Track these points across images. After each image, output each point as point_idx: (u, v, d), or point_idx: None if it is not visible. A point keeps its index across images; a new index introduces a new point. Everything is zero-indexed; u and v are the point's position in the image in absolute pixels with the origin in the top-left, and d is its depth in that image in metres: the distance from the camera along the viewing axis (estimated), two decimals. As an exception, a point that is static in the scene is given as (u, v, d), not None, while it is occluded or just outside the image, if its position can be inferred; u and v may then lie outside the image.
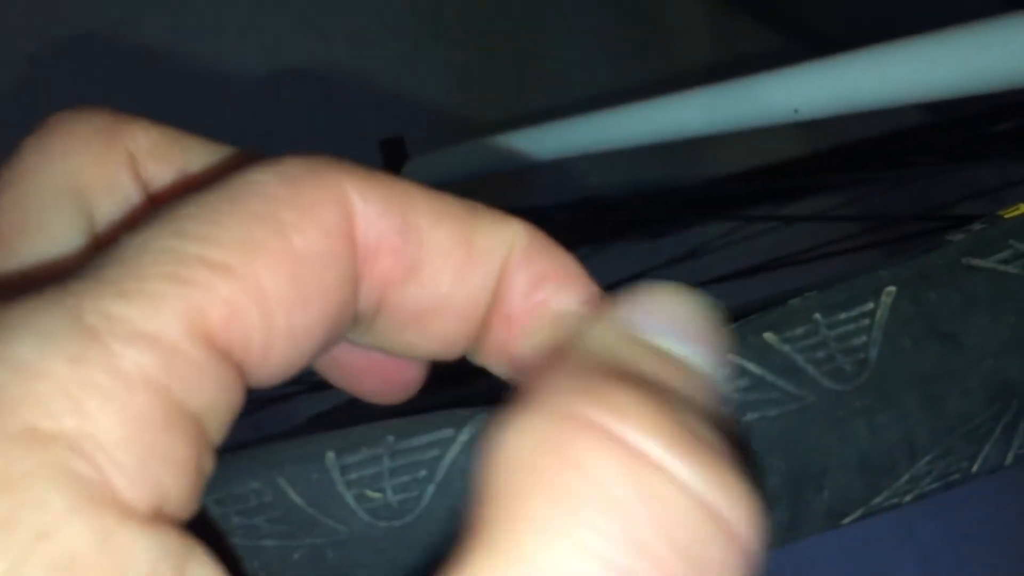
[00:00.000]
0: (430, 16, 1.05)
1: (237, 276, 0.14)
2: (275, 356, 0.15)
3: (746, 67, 0.40)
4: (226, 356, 0.14)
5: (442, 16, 1.06)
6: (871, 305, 0.22)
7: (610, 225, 0.78)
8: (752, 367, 0.21)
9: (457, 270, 0.16)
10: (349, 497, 0.20)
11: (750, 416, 0.21)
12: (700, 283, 0.64)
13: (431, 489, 0.20)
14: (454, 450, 0.20)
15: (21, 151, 0.18)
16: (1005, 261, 0.23)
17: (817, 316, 0.22)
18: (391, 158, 0.67)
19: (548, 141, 0.47)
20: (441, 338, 0.17)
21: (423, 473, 0.20)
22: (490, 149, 0.51)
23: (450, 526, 0.21)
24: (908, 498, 0.23)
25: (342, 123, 1.00)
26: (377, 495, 0.20)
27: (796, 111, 0.34)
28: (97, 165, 0.18)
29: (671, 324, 0.16)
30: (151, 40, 0.94)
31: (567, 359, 0.14)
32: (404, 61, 1.04)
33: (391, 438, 0.20)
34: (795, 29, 1.09)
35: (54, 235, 0.17)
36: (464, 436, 0.20)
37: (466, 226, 0.16)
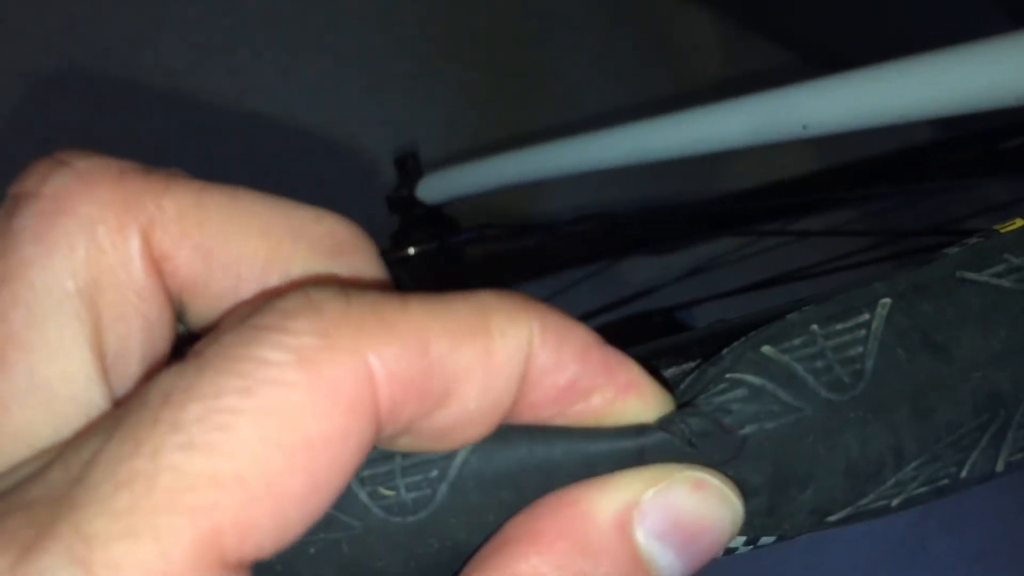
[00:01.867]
0: (442, 35, 1.06)
1: (249, 487, 0.13)
2: (288, 537, 0.14)
3: (757, 84, 0.40)
4: (239, 566, 0.14)
5: (454, 34, 1.07)
6: (867, 316, 0.22)
7: (623, 240, 0.79)
8: (752, 379, 0.22)
9: (482, 385, 0.16)
10: (363, 495, 0.21)
11: (748, 429, 0.21)
12: (711, 297, 0.64)
13: (443, 488, 0.21)
14: (464, 451, 0.21)
15: (15, 227, 0.15)
16: (999, 275, 0.24)
17: (815, 328, 0.22)
18: (406, 175, 0.68)
19: (560, 157, 0.48)
20: (465, 440, 0.17)
21: (435, 473, 0.21)
22: (504, 165, 0.52)
23: (465, 519, 0.21)
24: (896, 502, 0.23)
25: (356, 140, 1.01)
26: (390, 493, 0.21)
27: (805, 127, 0.34)
28: (107, 254, 0.16)
29: (668, 533, 0.17)
30: (166, 59, 0.95)
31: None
32: (416, 79, 1.05)
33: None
34: (805, 47, 1.09)
35: (56, 351, 0.15)
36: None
37: (483, 335, 0.15)
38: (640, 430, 0.21)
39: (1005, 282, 0.23)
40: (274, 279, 0.17)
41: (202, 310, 0.17)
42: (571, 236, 0.76)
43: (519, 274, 0.76)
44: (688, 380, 0.22)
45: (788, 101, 0.35)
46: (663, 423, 0.22)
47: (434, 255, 0.64)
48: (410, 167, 0.68)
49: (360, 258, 0.18)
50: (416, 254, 0.64)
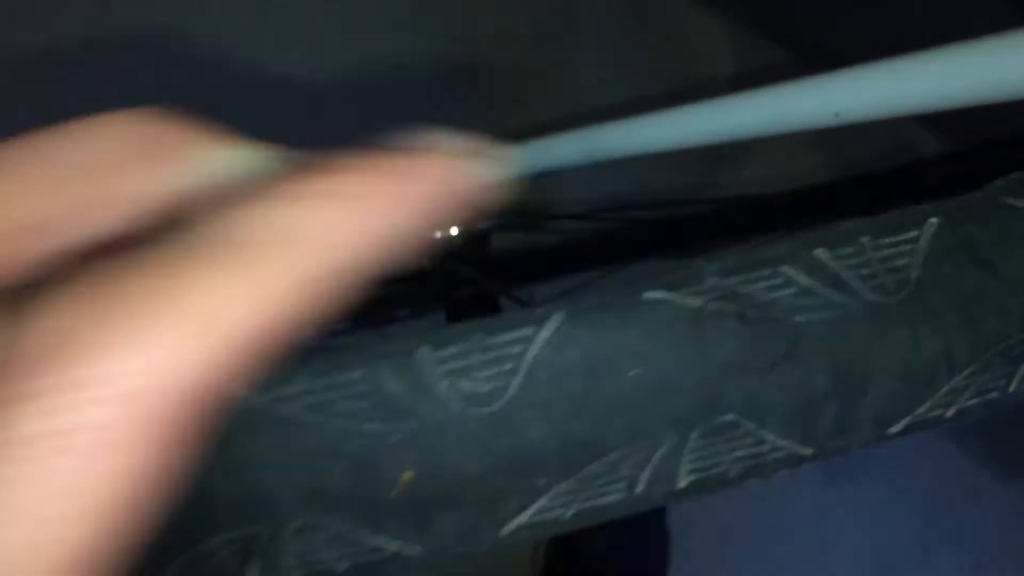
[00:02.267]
0: (463, 37, 1.08)
1: None
2: None
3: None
4: None
5: (472, 37, 1.08)
6: (915, 232, 0.24)
7: (635, 243, 0.80)
8: (803, 278, 0.23)
9: None
10: (442, 387, 0.22)
11: (799, 318, 0.23)
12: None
13: (516, 381, 0.22)
14: (535, 346, 0.22)
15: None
16: None
17: (864, 239, 0.24)
18: None
19: (580, 146, 0.49)
20: None
21: (509, 366, 0.22)
22: (528, 153, 0.53)
23: (537, 412, 0.23)
24: (951, 412, 0.25)
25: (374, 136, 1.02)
26: (468, 385, 0.22)
27: (837, 115, 0.36)
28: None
29: None
30: (197, 41, 0.97)
31: None
32: (440, 74, 1.06)
33: (480, 334, 0.22)
34: (817, 52, 1.10)
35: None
36: (545, 333, 0.23)
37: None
38: (695, 298, 0.23)
39: None
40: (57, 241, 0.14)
41: None
42: (586, 231, 0.77)
43: (544, 266, 0.77)
44: (739, 260, 0.24)
45: (820, 89, 0.37)
46: (722, 296, 0.23)
47: (460, 242, 0.65)
48: None
49: (190, 163, 0.16)
50: (440, 238, 0.65)
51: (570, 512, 0.24)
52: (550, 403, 0.23)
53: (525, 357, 0.23)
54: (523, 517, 0.24)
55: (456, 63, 1.06)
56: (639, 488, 0.24)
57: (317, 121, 1.00)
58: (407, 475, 0.23)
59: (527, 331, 0.23)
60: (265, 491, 0.23)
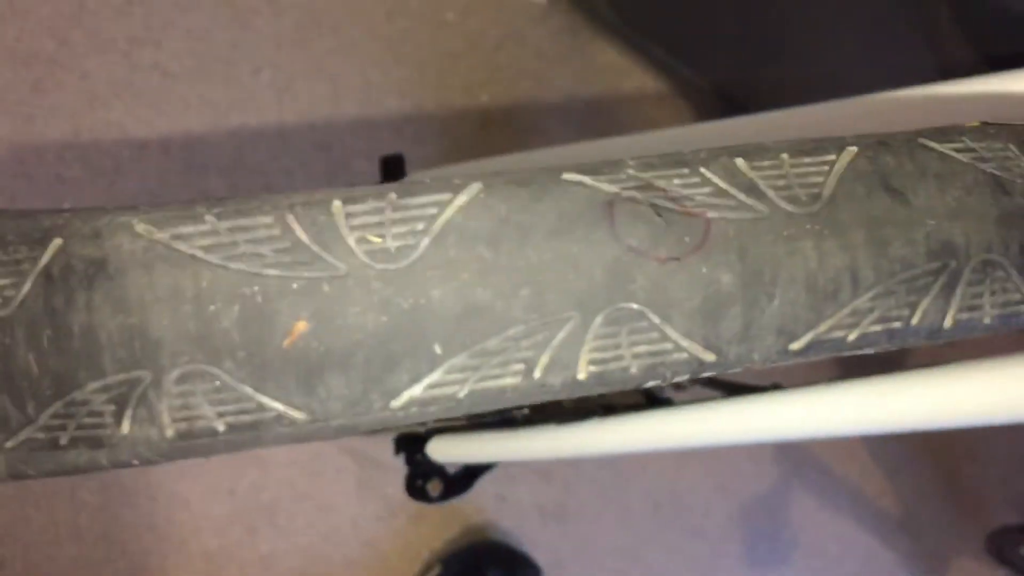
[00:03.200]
0: (438, 80, 1.09)
1: None
2: None
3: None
4: None
5: (449, 83, 1.10)
6: (833, 156, 0.25)
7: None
8: (719, 181, 0.24)
9: None
10: (351, 240, 0.22)
11: (711, 215, 0.23)
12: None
13: (426, 241, 0.22)
14: (449, 210, 0.22)
15: None
16: (957, 150, 0.26)
17: (784, 156, 0.24)
18: (389, 175, 0.69)
19: (555, 160, 0.49)
20: None
21: (420, 227, 0.22)
22: (492, 167, 0.53)
23: (441, 273, 0.22)
24: (853, 335, 0.25)
25: (341, 166, 1.02)
26: (377, 239, 0.22)
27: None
28: None
29: None
30: (165, 60, 0.96)
31: None
32: (408, 119, 1.07)
33: (394, 195, 0.22)
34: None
35: None
36: (461, 199, 0.22)
37: None
38: (612, 185, 0.23)
39: (961, 157, 0.26)
40: None
41: None
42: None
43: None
44: (660, 158, 0.24)
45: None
46: (639, 187, 0.23)
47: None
48: (394, 167, 0.69)
49: None
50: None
51: (464, 391, 0.23)
52: (456, 266, 0.23)
53: (438, 219, 0.23)
54: (416, 389, 0.23)
55: (428, 107, 1.08)
56: (537, 373, 0.24)
57: (278, 140, 1.00)
58: (301, 324, 0.22)
59: (443, 196, 0.23)
60: (151, 333, 0.22)
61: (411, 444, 0.77)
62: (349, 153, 1.04)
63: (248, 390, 0.23)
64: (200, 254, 0.23)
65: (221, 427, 0.23)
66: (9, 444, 0.22)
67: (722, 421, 0.44)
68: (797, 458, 1.23)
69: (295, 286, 0.23)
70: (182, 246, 0.23)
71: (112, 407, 0.23)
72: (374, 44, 1.06)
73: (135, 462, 0.23)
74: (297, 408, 0.23)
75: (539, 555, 1.02)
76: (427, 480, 0.79)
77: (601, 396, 0.63)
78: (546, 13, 1.15)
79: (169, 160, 0.95)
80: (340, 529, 0.95)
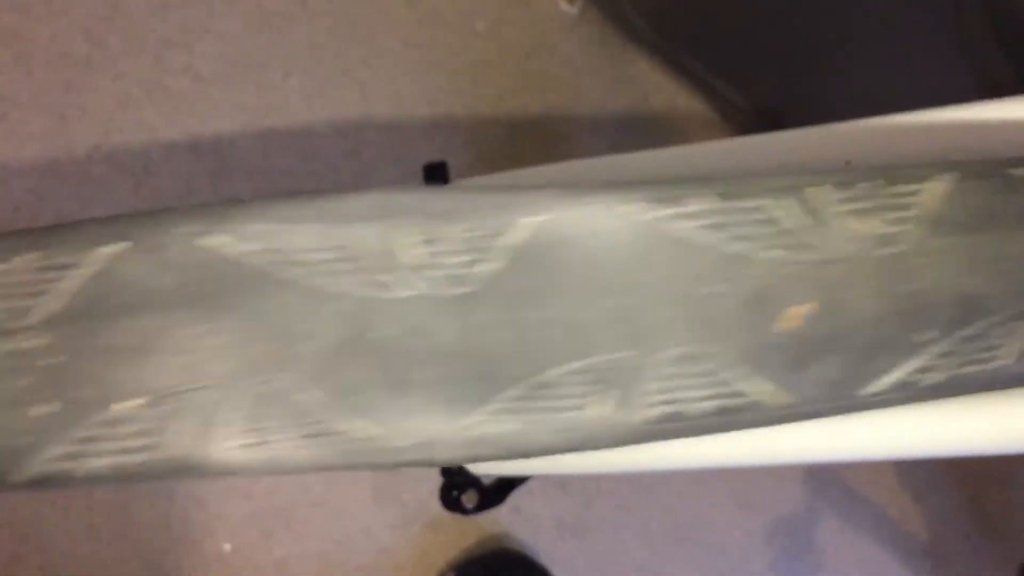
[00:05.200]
0: (470, 90, 1.09)
1: None
2: None
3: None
4: None
5: (481, 92, 1.10)
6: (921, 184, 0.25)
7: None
8: None
9: None
10: (847, 223, 0.24)
11: None
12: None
13: (915, 228, 0.23)
14: (930, 198, 0.23)
15: None
16: None
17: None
18: (432, 183, 0.69)
19: (596, 174, 0.49)
20: None
21: (912, 213, 0.23)
22: (534, 178, 0.52)
23: (930, 261, 0.24)
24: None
25: (366, 174, 1.03)
26: (868, 225, 0.24)
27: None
28: None
29: None
30: (197, 63, 0.97)
31: None
32: (438, 126, 1.07)
33: (882, 180, 0.23)
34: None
35: None
36: (940, 186, 0.24)
37: None
38: None
39: None
40: None
41: None
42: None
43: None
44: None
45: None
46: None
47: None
48: (438, 175, 0.69)
49: None
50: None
51: (940, 378, 0.23)
52: (944, 254, 0.23)
53: (923, 207, 0.23)
54: (892, 375, 0.23)
55: (457, 116, 1.08)
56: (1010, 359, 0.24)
57: (307, 146, 1.01)
58: (804, 307, 0.22)
59: (915, 186, 0.23)
60: (645, 314, 0.22)
61: None
62: (378, 159, 1.04)
63: (734, 373, 0.23)
64: (695, 236, 0.23)
65: (702, 410, 0.23)
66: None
67: (756, 439, 0.43)
68: (821, 478, 1.21)
69: (794, 269, 0.23)
70: (677, 226, 0.23)
71: (584, 389, 0.23)
72: (405, 52, 1.06)
73: (590, 447, 0.23)
74: (783, 391, 0.23)
75: (555, 569, 1.01)
76: (463, 491, 0.78)
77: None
78: (577, 23, 1.15)
79: (198, 162, 0.96)
80: (355, 536, 0.95)
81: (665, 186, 0.23)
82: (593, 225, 0.22)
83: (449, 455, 0.24)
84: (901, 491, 1.26)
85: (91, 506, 0.86)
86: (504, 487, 0.80)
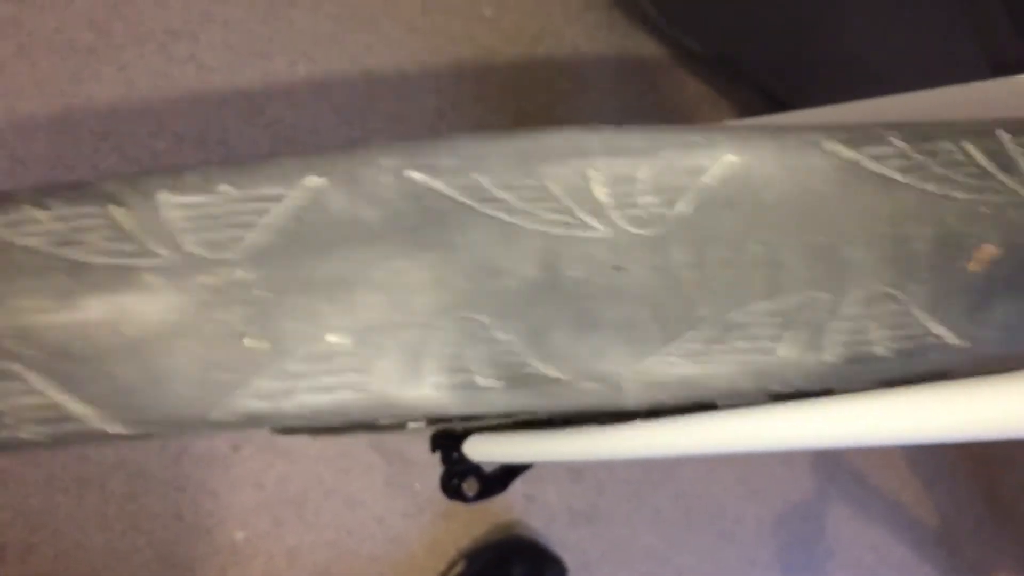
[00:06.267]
0: (474, 77, 1.09)
1: None
2: None
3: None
4: None
5: (486, 79, 1.09)
6: None
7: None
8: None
9: None
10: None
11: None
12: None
13: None
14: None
15: None
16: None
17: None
18: None
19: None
20: None
21: None
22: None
23: None
24: None
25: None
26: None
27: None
28: None
29: None
30: (201, 53, 0.97)
31: None
32: (443, 114, 1.06)
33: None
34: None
35: None
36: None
37: None
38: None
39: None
40: None
41: None
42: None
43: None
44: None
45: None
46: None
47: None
48: None
49: None
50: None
51: None
52: None
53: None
54: None
55: (463, 102, 1.07)
56: None
57: (312, 135, 1.00)
58: (991, 248, 0.22)
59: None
60: (842, 253, 0.22)
61: (447, 442, 0.76)
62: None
63: (921, 315, 0.22)
64: (894, 175, 0.22)
65: (888, 352, 0.23)
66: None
67: (772, 424, 0.42)
68: (832, 465, 1.21)
69: (983, 210, 0.23)
70: (875, 166, 0.22)
71: (773, 332, 0.22)
72: (410, 39, 1.06)
73: (778, 388, 0.23)
74: (961, 335, 0.23)
75: (568, 556, 1.01)
76: (463, 479, 0.78)
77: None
78: (584, 9, 1.14)
79: (204, 151, 0.95)
80: (367, 525, 0.94)
81: (866, 127, 0.23)
82: (795, 162, 0.22)
83: (635, 399, 0.23)
84: (913, 477, 1.26)
85: (104, 497, 0.86)
86: (506, 475, 0.79)
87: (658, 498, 1.09)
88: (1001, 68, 0.51)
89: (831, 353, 0.23)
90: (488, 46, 1.10)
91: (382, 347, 0.23)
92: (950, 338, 0.23)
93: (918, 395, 0.36)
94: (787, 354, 0.23)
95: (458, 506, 0.86)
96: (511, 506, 1.00)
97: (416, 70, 1.06)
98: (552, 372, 0.23)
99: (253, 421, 0.24)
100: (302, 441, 0.92)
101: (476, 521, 0.98)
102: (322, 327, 0.23)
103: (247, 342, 0.23)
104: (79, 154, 0.91)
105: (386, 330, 0.22)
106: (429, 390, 0.23)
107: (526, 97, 1.11)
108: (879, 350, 0.23)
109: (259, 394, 0.22)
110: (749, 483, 1.15)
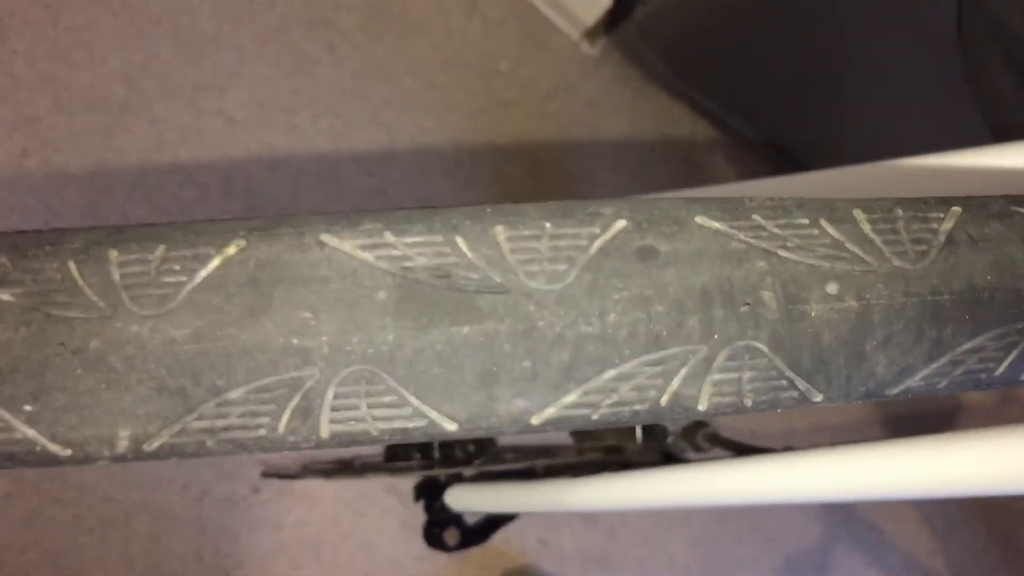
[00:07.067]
0: (490, 128, 1.12)
1: None
2: None
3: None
4: None
5: (502, 129, 1.12)
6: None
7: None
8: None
9: None
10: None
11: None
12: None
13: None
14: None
15: None
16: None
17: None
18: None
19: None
20: None
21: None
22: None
23: None
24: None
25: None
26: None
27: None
28: None
29: None
30: (229, 107, 1.00)
31: None
32: (460, 164, 1.09)
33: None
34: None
35: None
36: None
37: None
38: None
39: None
40: None
41: None
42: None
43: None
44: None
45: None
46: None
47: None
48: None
49: None
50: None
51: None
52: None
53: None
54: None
55: (480, 153, 1.10)
56: None
57: (334, 185, 1.03)
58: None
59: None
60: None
61: (431, 492, 0.77)
62: (403, 197, 1.06)
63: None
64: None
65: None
66: None
67: (736, 478, 0.44)
68: (847, 513, 1.21)
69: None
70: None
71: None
72: (429, 93, 1.09)
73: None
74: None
75: (580, 601, 1.01)
76: (444, 528, 0.80)
77: (619, 452, 0.64)
78: (598, 63, 1.18)
79: (230, 201, 0.99)
80: (382, 567, 0.96)
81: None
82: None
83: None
84: (928, 527, 1.26)
85: (128, 537, 0.88)
86: (487, 526, 0.80)
87: (672, 544, 1.10)
88: (1001, 133, 0.54)
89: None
90: (504, 99, 1.13)
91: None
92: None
93: (918, 448, 0.37)
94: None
95: (472, 550, 0.87)
96: (525, 550, 1.01)
97: (435, 122, 1.09)
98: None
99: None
100: (319, 484, 0.94)
101: (489, 565, 0.99)
102: None
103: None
104: (111, 203, 0.94)
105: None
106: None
107: (541, 148, 1.14)
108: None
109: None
110: (763, 530, 1.16)
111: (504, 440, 0.79)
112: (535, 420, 0.25)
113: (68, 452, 0.23)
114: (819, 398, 0.26)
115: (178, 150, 0.98)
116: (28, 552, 0.85)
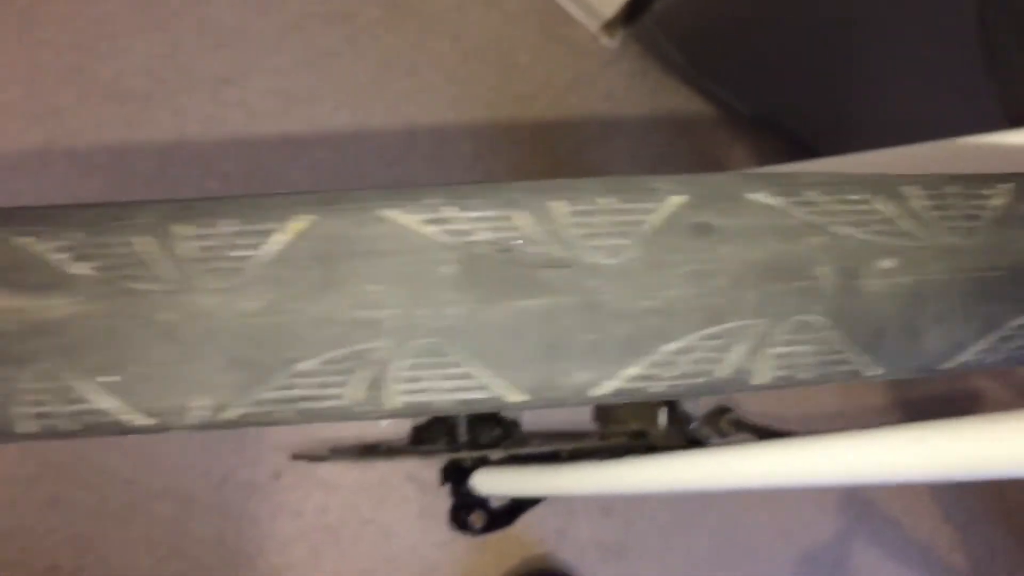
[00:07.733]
0: (508, 120, 1.12)
1: None
2: None
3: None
4: None
5: (520, 122, 1.13)
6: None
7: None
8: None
9: None
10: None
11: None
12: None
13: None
14: None
15: None
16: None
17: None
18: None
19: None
20: None
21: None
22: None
23: None
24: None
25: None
26: None
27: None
28: None
29: None
30: (251, 100, 1.01)
31: None
32: (479, 157, 1.10)
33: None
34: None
35: None
36: None
37: None
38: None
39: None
40: None
41: None
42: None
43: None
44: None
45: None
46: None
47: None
48: None
49: None
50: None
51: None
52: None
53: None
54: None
55: (499, 145, 1.10)
56: None
57: (355, 176, 1.04)
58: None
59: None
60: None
61: (457, 475, 0.78)
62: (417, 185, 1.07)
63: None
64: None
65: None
66: None
67: (758, 462, 0.44)
68: (864, 506, 1.21)
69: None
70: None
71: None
72: (449, 86, 1.10)
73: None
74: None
75: (598, 591, 1.01)
76: (470, 512, 0.80)
77: (643, 437, 0.64)
78: (617, 57, 1.18)
79: (252, 190, 0.99)
80: (401, 554, 0.96)
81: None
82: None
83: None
84: (947, 520, 1.25)
85: (151, 521, 0.89)
86: (513, 510, 0.81)
87: (690, 536, 1.10)
88: (1019, 120, 0.54)
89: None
90: (523, 92, 1.13)
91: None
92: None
93: (938, 432, 0.37)
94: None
95: (491, 538, 0.87)
96: (543, 539, 1.01)
97: (454, 115, 1.09)
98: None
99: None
100: (340, 471, 0.95)
101: (508, 554, 1.00)
102: None
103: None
104: (133, 194, 0.95)
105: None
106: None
107: (560, 141, 1.14)
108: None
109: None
110: (781, 523, 1.15)
111: (528, 425, 0.80)
112: (598, 392, 0.26)
113: (148, 421, 0.24)
114: (872, 372, 0.26)
115: (200, 140, 0.99)
116: (52, 535, 0.86)
